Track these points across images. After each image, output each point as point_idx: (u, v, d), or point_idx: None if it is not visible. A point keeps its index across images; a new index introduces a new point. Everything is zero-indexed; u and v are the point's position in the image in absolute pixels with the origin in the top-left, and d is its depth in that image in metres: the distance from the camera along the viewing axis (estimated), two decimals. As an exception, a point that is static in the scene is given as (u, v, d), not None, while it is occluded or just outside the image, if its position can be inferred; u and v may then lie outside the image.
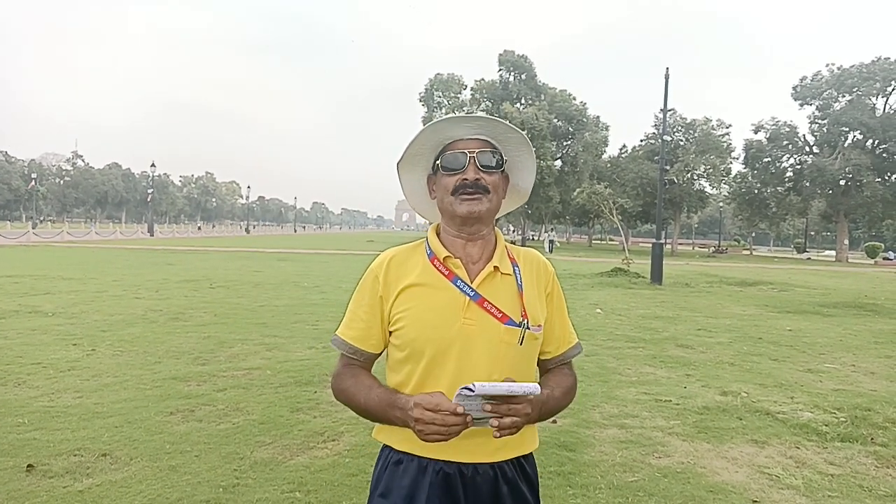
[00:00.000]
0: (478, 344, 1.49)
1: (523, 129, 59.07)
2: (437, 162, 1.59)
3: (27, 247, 29.94)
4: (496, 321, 1.50)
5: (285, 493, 3.64)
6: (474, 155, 1.54)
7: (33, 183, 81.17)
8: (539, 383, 1.59)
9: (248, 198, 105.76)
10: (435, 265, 1.56)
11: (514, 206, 1.77)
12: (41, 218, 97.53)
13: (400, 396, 1.46)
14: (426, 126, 1.55)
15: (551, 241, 49.04)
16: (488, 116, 1.56)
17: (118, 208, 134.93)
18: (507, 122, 1.56)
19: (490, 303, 1.51)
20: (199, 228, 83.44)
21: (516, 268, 1.60)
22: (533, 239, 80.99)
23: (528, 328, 1.52)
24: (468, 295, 1.51)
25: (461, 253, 1.57)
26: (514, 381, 1.38)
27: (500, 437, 1.36)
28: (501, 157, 1.58)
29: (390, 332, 1.58)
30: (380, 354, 1.63)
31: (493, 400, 1.33)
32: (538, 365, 1.66)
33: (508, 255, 1.63)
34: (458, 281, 1.53)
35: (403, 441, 1.52)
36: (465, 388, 1.29)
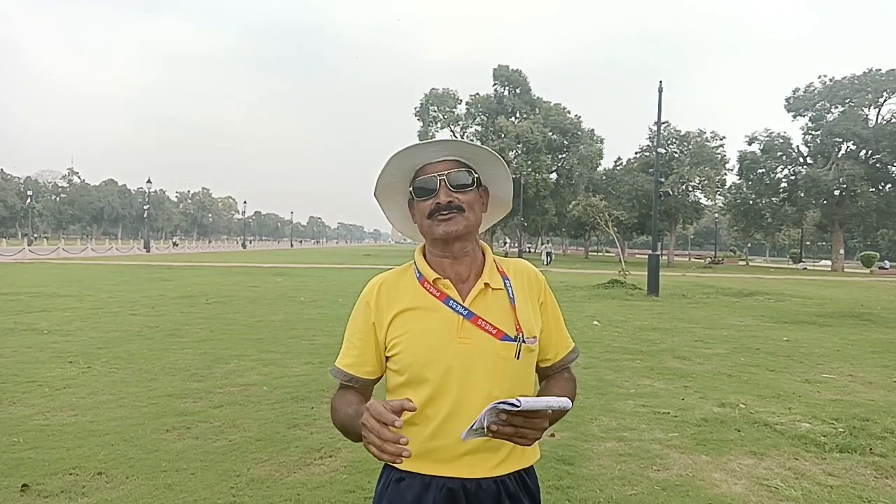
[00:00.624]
0: (476, 362, 1.50)
1: (518, 143, 59.66)
2: (411, 189, 1.60)
3: (23, 264, 29.88)
4: (491, 338, 1.51)
5: (282, 510, 3.61)
6: (444, 177, 1.54)
7: (29, 200, 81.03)
8: (542, 389, 1.67)
9: (244, 213, 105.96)
10: (425, 287, 1.56)
11: (498, 217, 1.77)
12: (37, 235, 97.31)
13: (367, 405, 1.37)
14: (391, 157, 1.55)
15: (549, 254, 48.53)
16: (452, 139, 1.58)
17: (114, 224, 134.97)
18: (471, 142, 1.58)
19: (484, 320, 1.52)
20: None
21: (507, 281, 1.61)
22: (529, 251, 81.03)
23: (523, 341, 1.53)
24: (461, 314, 1.52)
25: (450, 272, 1.58)
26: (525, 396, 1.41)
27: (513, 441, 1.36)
28: (473, 173, 1.59)
29: (387, 358, 1.58)
30: (377, 381, 1.63)
31: (501, 420, 1.32)
32: (538, 372, 1.68)
33: (498, 268, 1.63)
34: (450, 301, 1.53)
35: (406, 461, 1.50)
36: (505, 402, 1.27)
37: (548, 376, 1.71)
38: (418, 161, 1.57)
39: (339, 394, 1.60)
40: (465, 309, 1.52)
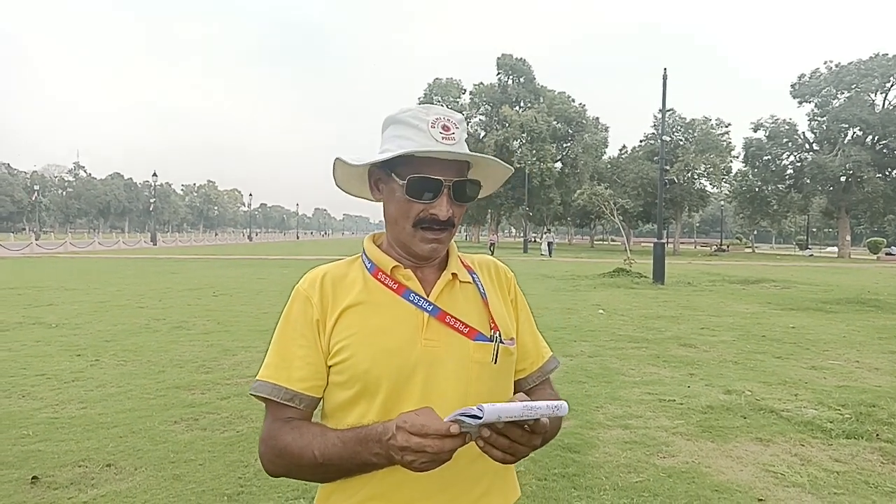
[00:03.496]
0: (445, 367, 1.22)
1: (522, 132, 59.31)
2: (403, 182, 1.22)
3: (31, 258, 30.00)
4: (463, 338, 1.25)
5: (289, 500, 3.64)
6: (450, 185, 1.23)
7: (36, 194, 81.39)
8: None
9: (250, 205, 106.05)
10: (379, 279, 1.28)
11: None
12: (44, 229, 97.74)
13: (373, 427, 1.10)
14: (402, 152, 1.20)
15: (550, 244, 45.15)
16: (477, 154, 1.24)
17: (121, 218, 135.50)
18: (498, 161, 1.29)
19: (453, 317, 1.25)
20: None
21: (474, 275, 1.36)
22: (535, 241, 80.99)
23: (501, 342, 1.27)
24: (425, 310, 1.25)
25: (409, 266, 1.30)
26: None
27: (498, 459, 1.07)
28: (478, 186, 1.30)
29: (329, 367, 1.25)
30: (318, 402, 1.29)
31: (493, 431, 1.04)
32: (514, 386, 1.39)
33: (463, 262, 1.38)
34: (411, 294, 1.26)
35: (364, 499, 1.21)
36: (465, 413, 0.99)
37: (527, 390, 1.40)
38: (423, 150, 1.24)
39: (289, 425, 1.22)
40: (430, 304, 1.25)
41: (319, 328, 1.24)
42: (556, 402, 1.05)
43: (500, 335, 1.28)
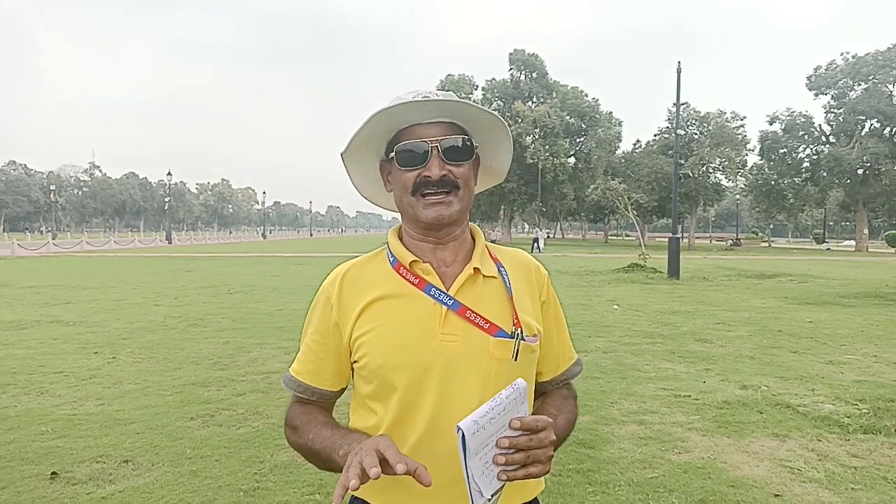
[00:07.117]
0: (463, 364, 1.21)
1: (535, 128, 58.97)
2: (392, 154, 1.27)
3: (47, 257, 30.31)
4: (483, 333, 1.22)
5: (305, 495, 3.66)
6: (437, 144, 1.23)
7: (52, 194, 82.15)
8: (536, 408, 1.35)
9: (263, 203, 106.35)
10: (400, 273, 1.27)
11: (487, 187, 1.49)
12: (61, 229, 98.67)
13: (350, 437, 1.19)
14: (374, 114, 1.22)
15: (535, 240, 40.07)
16: (452, 99, 1.24)
17: (136, 217, 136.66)
18: (476, 104, 1.25)
19: (473, 311, 1.23)
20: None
21: (502, 269, 1.32)
22: (549, 237, 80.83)
23: (522, 339, 1.24)
24: (445, 304, 1.23)
25: (430, 257, 1.29)
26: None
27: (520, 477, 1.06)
28: (471, 141, 1.28)
29: (354, 363, 1.29)
30: (340, 393, 1.36)
31: (501, 448, 1.03)
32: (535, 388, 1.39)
33: (491, 255, 1.35)
34: (432, 289, 1.24)
35: (377, 495, 1.26)
36: (460, 432, 0.97)
37: (543, 392, 1.41)
38: (405, 120, 1.26)
39: (303, 409, 1.34)
40: (451, 298, 1.23)
41: (339, 328, 1.28)
42: (515, 385, 1.07)
43: (521, 332, 1.24)
